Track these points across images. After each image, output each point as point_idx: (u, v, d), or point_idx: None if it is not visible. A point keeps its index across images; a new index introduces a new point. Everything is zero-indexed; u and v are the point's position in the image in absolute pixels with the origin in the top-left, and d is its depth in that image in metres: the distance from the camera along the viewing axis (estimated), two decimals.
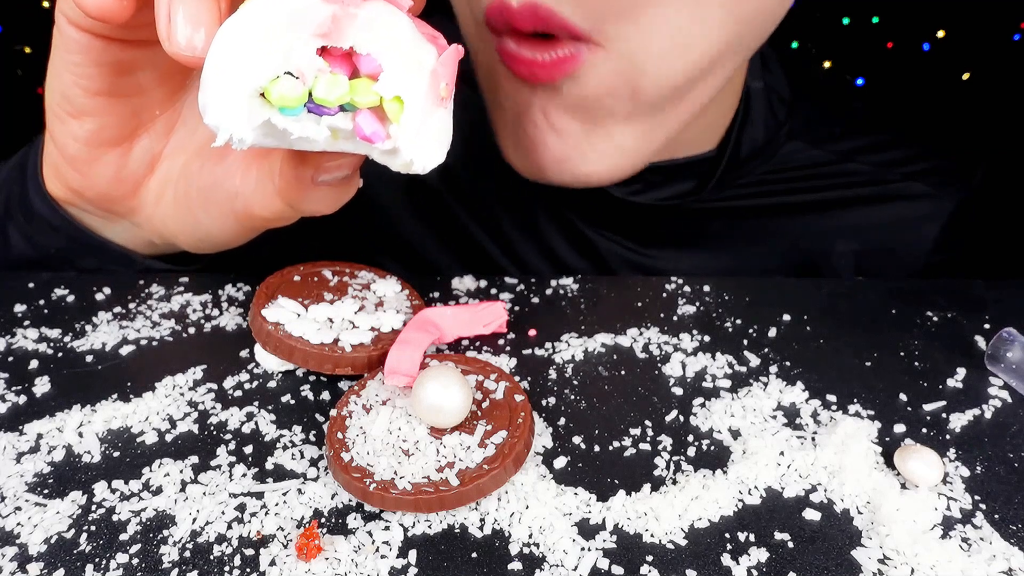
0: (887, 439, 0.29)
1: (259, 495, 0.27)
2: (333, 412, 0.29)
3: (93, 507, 0.26)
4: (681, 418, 0.30)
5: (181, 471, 0.28)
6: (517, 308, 0.37)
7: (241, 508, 0.26)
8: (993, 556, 0.25)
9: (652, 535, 0.25)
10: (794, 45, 0.83)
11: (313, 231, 0.41)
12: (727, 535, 0.25)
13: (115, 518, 0.26)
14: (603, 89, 0.35)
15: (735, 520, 0.26)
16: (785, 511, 0.26)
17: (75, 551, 0.25)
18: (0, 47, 0.91)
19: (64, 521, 0.26)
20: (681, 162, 0.46)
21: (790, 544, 0.25)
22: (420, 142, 0.24)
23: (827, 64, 0.86)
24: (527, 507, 0.26)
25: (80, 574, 0.24)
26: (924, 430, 0.30)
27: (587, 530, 0.25)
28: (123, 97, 0.32)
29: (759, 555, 0.25)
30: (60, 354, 0.34)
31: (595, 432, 0.30)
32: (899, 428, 0.30)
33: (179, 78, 0.34)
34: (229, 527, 0.25)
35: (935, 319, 0.37)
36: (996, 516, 0.26)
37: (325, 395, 0.31)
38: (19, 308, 0.37)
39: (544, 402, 0.31)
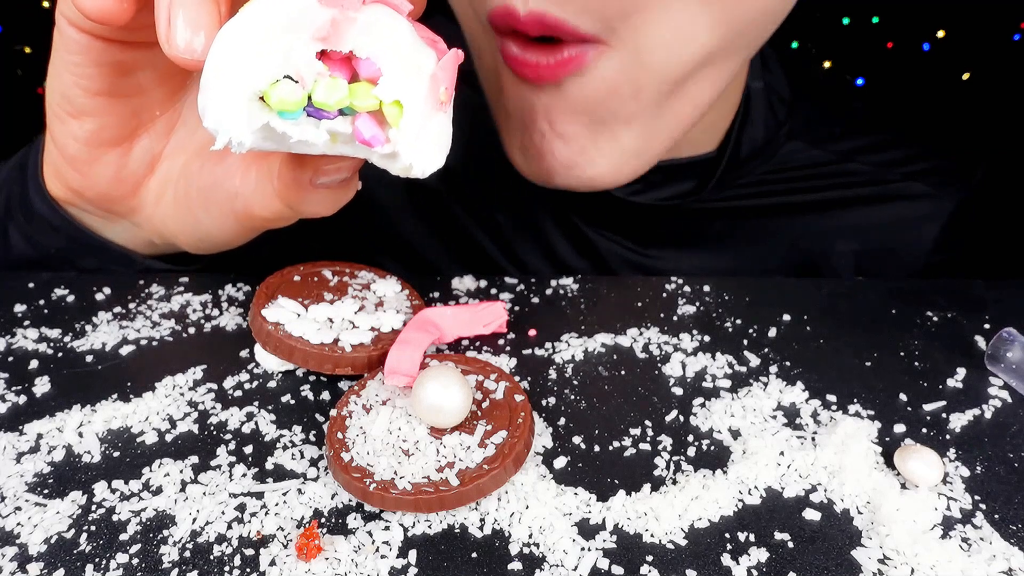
0: (887, 439, 0.29)
1: (259, 495, 0.27)
2: (333, 412, 0.29)
3: (93, 507, 0.26)
4: (681, 418, 0.30)
5: (181, 471, 0.28)
6: (517, 308, 0.37)
7: (241, 508, 0.26)
8: (993, 556, 0.25)
9: (652, 535, 0.25)
10: (794, 45, 0.83)
11: (313, 231, 0.41)
12: (727, 535, 0.25)
13: (115, 518, 0.26)
14: (607, 86, 0.35)
15: (735, 520, 0.26)
16: (785, 511, 0.26)
17: (75, 551, 0.25)
18: (0, 47, 0.91)
19: (64, 521, 0.26)
20: (681, 162, 0.46)
21: (790, 544, 0.25)
22: (419, 146, 0.24)
23: (827, 64, 0.86)
24: (527, 507, 0.26)
25: (80, 574, 0.24)
26: (924, 430, 0.30)
27: (587, 530, 0.25)
28: (123, 97, 0.32)
29: (759, 555, 0.25)
30: (60, 354, 0.34)
31: (595, 432, 0.30)
32: (899, 428, 0.30)
33: (179, 79, 0.34)
34: (229, 527, 0.25)
35: (935, 319, 0.37)
36: (996, 516, 0.26)
37: (325, 395, 0.31)
38: (19, 308, 0.37)
39: (544, 402, 0.31)
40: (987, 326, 0.36)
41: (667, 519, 0.26)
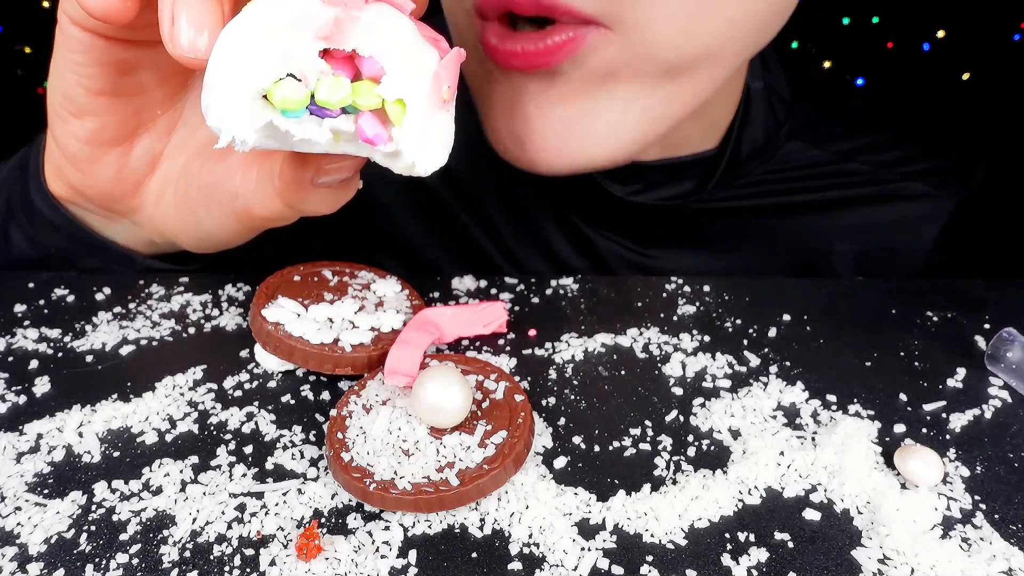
0: (887, 439, 0.29)
1: (259, 495, 0.27)
2: (333, 412, 0.29)
3: (93, 507, 0.26)
4: (681, 418, 0.30)
5: (181, 471, 0.28)
6: (517, 308, 0.37)
7: (241, 508, 0.26)
8: (993, 556, 0.25)
9: (652, 535, 0.25)
10: (794, 45, 0.83)
11: (313, 231, 0.41)
12: (727, 535, 0.25)
13: (115, 518, 0.26)
14: (605, 70, 0.35)
15: (735, 520, 0.26)
16: (785, 511, 0.26)
17: (75, 551, 0.25)
18: (0, 47, 0.91)
19: (64, 521, 0.26)
20: (681, 162, 0.46)
21: (790, 544, 0.25)
22: (422, 144, 0.24)
23: (827, 64, 0.86)
24: (527, 507, 0.26)
25: (80, 574, 0.24)
26: (924, 430, 0.30)
27: (587, 530, 0.25)
28: (125, 96, 0.32)
29: (759, 555, 0.25)
30: (60, 354, 0.34)
31: (595, 432, 0.30)
32: (899, 428, 0.30)
33: (181, 78, 0.34)
34: (229, 527, 0.25)
35: (935, 319, 0.37)
36: (996, 516, 0.26)
37: (325, 395, 0.31)
38: (19, 308, 0.37)
39: (544, 402, 0.31)
40: (987, 326, 0.36)
41: (667, 519, 0.26)
